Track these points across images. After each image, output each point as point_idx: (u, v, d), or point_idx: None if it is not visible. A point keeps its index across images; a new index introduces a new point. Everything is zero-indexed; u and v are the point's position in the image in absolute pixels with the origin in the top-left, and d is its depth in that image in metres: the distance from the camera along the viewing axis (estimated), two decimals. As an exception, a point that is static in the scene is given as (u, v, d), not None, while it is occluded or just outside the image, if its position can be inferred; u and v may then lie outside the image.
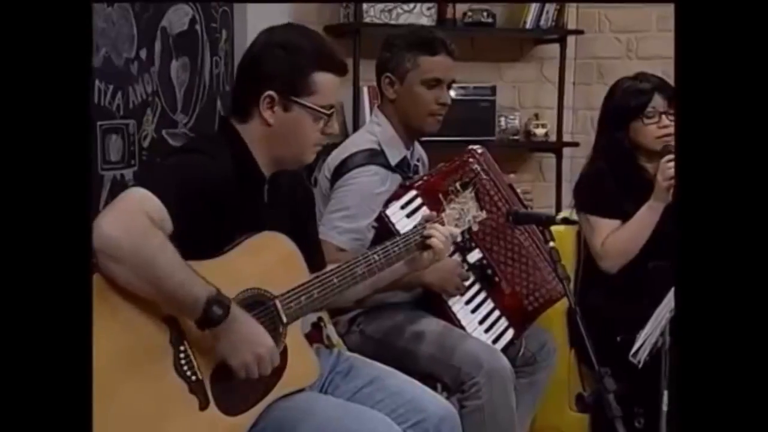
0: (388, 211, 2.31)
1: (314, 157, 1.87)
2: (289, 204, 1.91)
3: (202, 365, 1.66)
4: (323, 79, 1.79)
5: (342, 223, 2.29)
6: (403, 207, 2.32)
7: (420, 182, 2.37)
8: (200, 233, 1.67)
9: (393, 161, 2.39)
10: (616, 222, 2.62)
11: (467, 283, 2.38)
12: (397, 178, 2.40)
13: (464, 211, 2.09)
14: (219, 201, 1.71)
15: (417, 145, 2.55)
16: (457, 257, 2.38)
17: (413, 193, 2.34)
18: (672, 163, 2.50)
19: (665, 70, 3.89)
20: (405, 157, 2.44)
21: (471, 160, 2.37)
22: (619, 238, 2.58)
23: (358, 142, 2.44)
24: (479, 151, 2.42)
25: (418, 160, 2.54)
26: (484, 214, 2.14)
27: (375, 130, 2.43)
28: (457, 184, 2.09)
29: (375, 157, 2.37)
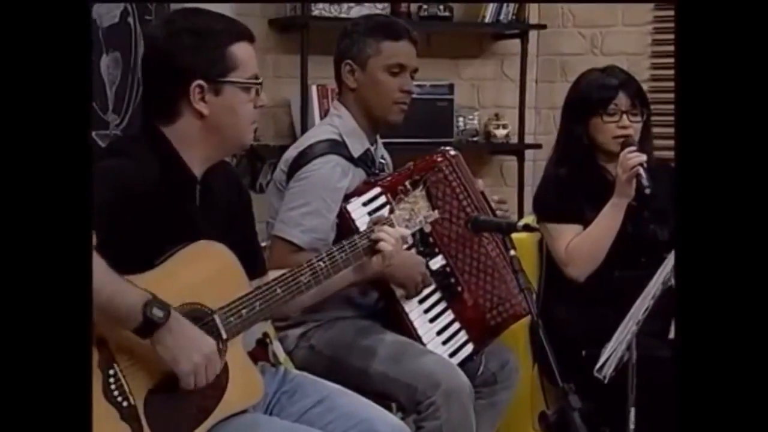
0: (350, 207, 2.30)
1: (252, 137, 1.88)
2: (223, 207, 1.90)
3: (135, 389, 1.64)
4: (241, 50, 1.82)
5: (305, 220, 2.28)
6: (365, 204, 2.32)
7: (385, 179, 2.37)
8: (128, 244, 1.65)
9: (355, 153, 2.39)
10: (578, 227, 2.64)
11: (427, 291, 2.38)
12: (360, 174, 2.40)
13: (414, 212, 2.10)
14: (147, 208, 1.70)
15: (381, 144, 2.56)
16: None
17: (377, 190, 2.34)
18: (632, 154, 2.54)
19: (631, 66, 3.97)
20: (368, 151, 2.44)
21: (440, 159, 2.39)
22: (584, 241, 2.61)
23: (317, 133, 2.44)
24: (452, 152, 2.44)
25: (383, 158, 2.54)
26: (436, 214, 2.14)
27: (335, 122, 2.44)
28: (407, 183, 2.10)
29: (336, 147, 2.37)
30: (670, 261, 2.08)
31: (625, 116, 2.63)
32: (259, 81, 1.84)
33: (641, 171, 2.53)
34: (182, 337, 1.64)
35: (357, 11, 3.74)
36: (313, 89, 3.73)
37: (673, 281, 2.14)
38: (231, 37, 1.81)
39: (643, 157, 2.55)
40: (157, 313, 1.61)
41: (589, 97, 2.66)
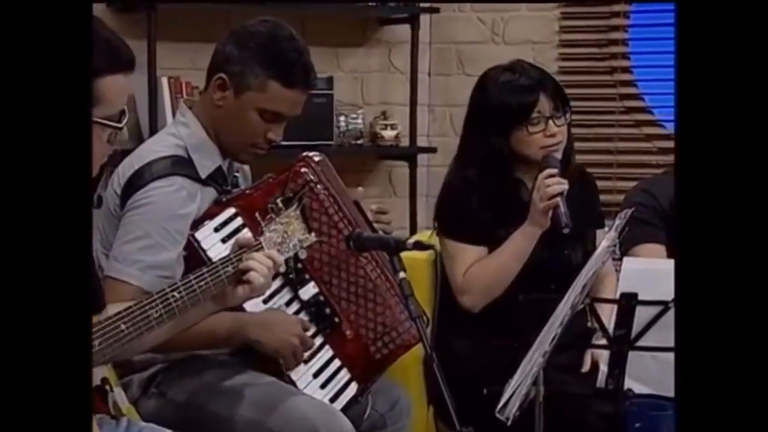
0: (199, 234, 2.29)
1: (97, 171, 1.84)
2: None
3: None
4: (111, 83, 1.76)
5: (143, 256, 2.25)
6: (217, 229, 2.31)
7: (240, 198, 2.36)
8: None
9: (203, 172, 2.37)
10: (483, 249, 2.69)
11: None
12: (210, 193, 2.38)
13: (288, 234, 2.10)
14: None
15: None
16: (287, 292, 2.39)
17: (231, 211, 2.33)
18: (551, 179, 2.57)
19: (537, 57, 4.06)
20: (220, 167, 2.43)
21: (304, 170, 2.39)
22: (485, 270, 2.65)
23: (157, 147, 2.39)
24: (316, 158, 2.44)
25: (237, 171, 2.53)
26: (313, 237, 2.16)
27: (181, 132, 2.41)
28: (279, 201, 2.10)
29: (180, 166, 2.34)
30: (579, 282, 2.14)
31: (551, 122, 2.65)
32: (121, 125, 1.79)
33: (560, 203, 2.56)
34: None
35: (214, -10, 3.72)
36: (164, 82, 3.69)
37: (585, 304, 2.20)
38: (103, 67, 1.73)
39: (564, 186, 2.57)
40: None
41: (506, 106, 2.66)
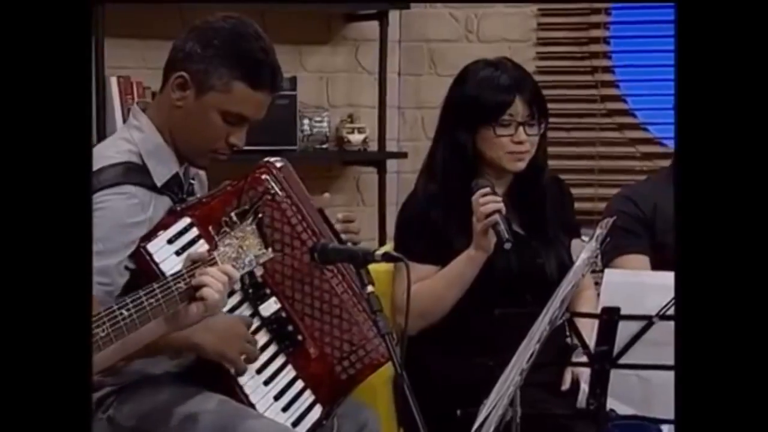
0: (151, 246, 2.28)
1: None
2: None
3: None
4: None
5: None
6: (171, 241, 2.30)
7: (196, 207, 2.35)
8: None
9: (159, 180, 2.36)
10: (431, 268, 2.71)
11: (260, 344, 2.38)
12: (165, 202, 2.37)
13: (243, 249, 2.09)
14: None
15: None
16: (246, 308, 2.38)
17: (187, 221, 2.32)
18: (486, 198, 2.58)
19: (514, 56, 4.08)
20: (177, 174, 2.42)
21: (265, 177, 2.38)
22: (424, 293, 2.64)
23: (108, 152, 2.38)
24: (278, 164, 2.44)
25: (193, 178, 2.52)
26: (270, 253, 2.15)
27: (135, 137, 2.39)
28: (233, 214, 2.09)
29: (132, 174, 2.33)
30: (558, 295, 2.15)
31: (521, 128, 2.69)
32: None
33: (499, 220, 2.57)
34: None
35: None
36: (113, 82, 3.67)
37: (564, 319, 2.21)
38: None
39: (500, 204, 2.59)
40: None
41: (479, 102, 2.70)
